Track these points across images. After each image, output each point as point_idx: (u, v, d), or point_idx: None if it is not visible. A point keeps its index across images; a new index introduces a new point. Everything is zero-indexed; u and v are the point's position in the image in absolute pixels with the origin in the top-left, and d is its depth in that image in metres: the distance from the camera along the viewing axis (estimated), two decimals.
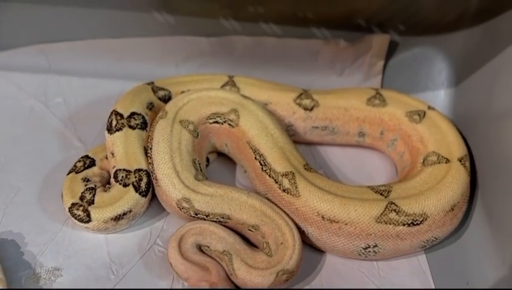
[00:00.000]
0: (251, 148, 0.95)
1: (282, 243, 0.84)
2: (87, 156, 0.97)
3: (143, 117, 0.99)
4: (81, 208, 0.88)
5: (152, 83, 1.08)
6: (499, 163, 0.98)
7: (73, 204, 0.89)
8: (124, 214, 0.89)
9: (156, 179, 0.91)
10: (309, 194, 0.88)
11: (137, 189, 0.91)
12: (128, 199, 0.90)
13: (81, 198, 0.90)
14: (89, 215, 0.88)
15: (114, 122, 0.97)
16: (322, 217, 0.86)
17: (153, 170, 0.91)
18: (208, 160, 1.04)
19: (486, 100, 1.06)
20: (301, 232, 0.90)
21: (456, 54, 1.16)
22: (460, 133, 1.12)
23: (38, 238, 0.89)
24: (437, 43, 1.16)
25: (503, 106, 1.00)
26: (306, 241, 0.91)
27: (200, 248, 0.86)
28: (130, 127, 0.96)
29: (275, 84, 1.11)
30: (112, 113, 0.98)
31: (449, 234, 0.94)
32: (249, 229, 0.88)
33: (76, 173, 0.94)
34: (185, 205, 0.88)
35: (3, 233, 0.89)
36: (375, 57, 1.19)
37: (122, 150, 0.94)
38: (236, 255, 0.83)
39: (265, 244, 0.86)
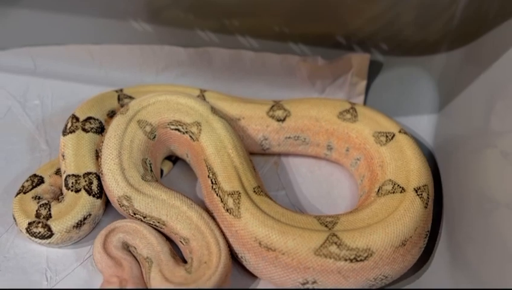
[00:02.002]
0: (206, 165, 0.93)
1: (206, 262, 0.82)
2: (34, 175, 0.96)
3: (100, 122, 0.99)
4: (40, 225, 0.87)
5: (121, 90, 1.08)
6: (468, 197, 0.92)
7: (30, 223, 0.88)
8: (85, 219, 0.89)
9: (102, 174, 0.92)
10: (250, 216, 0.84)
11: (89, 192, 0.92)
12: (84, 203, 0.90)
13: (37, 215, 0.89)
14: (49, 229, 0.87)
15: (69, 125, 0.98)
16: (259, 243, 0.82)
17: (100, 164, 0.92)
18: (162, 172, 1.03)
19: (466, 127, 1.00)
20: (240, 259, 0.87)
21: (439, 77, 1.10)
22: (434, 162, 1.06)
23: None
24: (421, 65, 1.11)
25: (480, 136, 0.93)
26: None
27: (127, 247, 0.87)
28: (84, 130, 0.97)
29: (246, 99, 1.09)
30: (70, 116, 0.99)
31: (403, 272, 0.87)
32: (180, 241, 0.86)
33: (25, 193, 0.93)
34: (125, 202, 0.88)
35: None
36: (357, 76, 1.13)
37: (72, 152, 0.95)
38: (157, 264, 0.82)
39: (190, 259, 0.84)
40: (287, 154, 1.10)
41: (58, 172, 0.97)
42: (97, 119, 0.99)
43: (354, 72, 1.12)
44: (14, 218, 0.90)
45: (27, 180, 0.95)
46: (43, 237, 0.88)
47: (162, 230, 0.88)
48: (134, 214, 0.88)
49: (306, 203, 1.01)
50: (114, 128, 0.94)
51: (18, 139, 1.09)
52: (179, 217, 0.86)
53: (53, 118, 1.13)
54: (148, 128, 0.96)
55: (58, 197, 0.95)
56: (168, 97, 0.99)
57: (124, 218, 0.91)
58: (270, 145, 1.06)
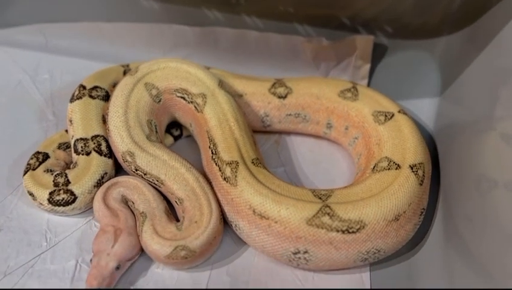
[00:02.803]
0: (208, 137, 0.95)
1: (196, 222, 0.84)
2: (38, 152, 0.97)
3: (106, 91, 1.03)
4: (61, 192, 0.89)
5: (127, 65, 1.10)
6: (466, 177, 0.91)
7: (51, 193, 0.89)
8: (102, 178, 0.92)
9: (108, 130, 0.95)
10: (245, 185, 0.85)
11: (100, 153, 0.94)
12: (98, 163, 0.93)
13: (56, 184, 0.91)
14: (72, 193, 0.89)
15: (76, 93, 1.01)
16: (254, 211, 0.83)
17: (107, 121, 0.96)
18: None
19: (466, 110, 1.00)
20: (234, 227, 0.88)
21: (441, 61, 1.10)
22: (434, 144, 1.05)
23: None
24: (424, 48, 1.11)
25: (481, 118, 0.93)
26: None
27: (126, 201, 0.90)
28: (91, 96, 1.00)
29: (249, 76, 1.10)
30: (77, 87, 1.02)
31: (396, 248, 0.87)
32: (176, 201, 0.89)
33: (33, 169, 0.94)
34: (128, 158, 0.91)
35: None
36: (361, 59, 1.14)
37: (80, 116, 0.97)
38: (150, 219, 0.85)
39: (182, 218, 0.87)
40: (287, 133, 1.11)
41: (60, 147, 1.00)
42: (103, 88, 1.03)
43: (358, 54, 1.13)
44: (31, 193, 0.90)
45: (32, 158, 0.96)
46: (67, 203, 0.89)
47: (160, 189, 0.91)
48: (136, 170, 0.92)
49: (304, 179, 1.02)
50: (121, 87, 0.98)
51: (27, 109, 1.12)
52: (177, 178, 0.89)
53: (61, 91, 1.16)
54: (154, 92, 0.98)
55: (65, 169, 0.97)
56: (178, 65, 1.01)
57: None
58: (271, 122, 1.07)
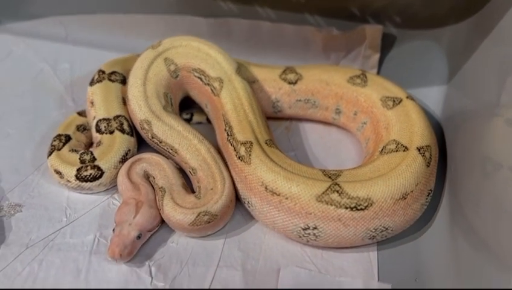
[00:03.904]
0: (224, 120, 0.98)
1: (212, 189, 0.89)
2: (59, 135, 1.00)
3: (123, 76, 1.07)
4: (89, 167, 0.93)
5: None
6: (472, 161, 0.94)
7: (78, 169, 0.93)
8: (126, 154, 0.97)
9: (127, 99, 1.00)
10: (259, 162, 0.89)
11: (123, 131, 0.99)
12: (122, 140, 0.98)
13: (82, 161, 0.95)
14: (99, 168, 0.93)
15: (96, 77, 1.06)
16: (266, 187, 0.87)
17: (127, 91, 1.01)
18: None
19: (473, 98, 1.02)
20: (246, 204, 0.92)
21: (449, 50, 1.13)
22: (442, 131, 1.08)
23: (11, 177, 0.98)
24: (432, 38, 1.14)
25: (487, 105, 0.95)
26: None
27: (147, 177, 0.94)
28: (110, 80, 1.05)
29: (259, 64, 1.14)
30: (96, 72, 1.07)
31: (404, 227, 0.89)
32: (189, 171, 0.94)
33: (59, 150, 0.97)
34: (145, 126, 0.97)
35: None
36: (370, 49, 1.17)
37: (101, 98, 1.02)
38: (169, 193, 0.89)
39: (198, 189, 0.92)
40: (297, 120, 1.14)
41: (79, 129, 1.04)
42: (121, 73, 1.07)
43: (367, 44, 1.16)
44: (58, 172, 0.93)
45: (55, 140, 0.99)
46: (94, 178, 0.93)
47: (174, 158, 0.96)
48: (152, 137, 0.96)
49: (314, 163, 1.05)
50: (142, 60, 1.03)
51: (47, 96, 1.17)
52: (189, 148, 0.94)
53: (81, 79, 1.21)
54: (172, 67, 1.03)
55: (86, 149, 1.02)
56: (200, 45, 1.05)
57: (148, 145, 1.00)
58: (282, 108, 1.11)
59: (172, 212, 0.86)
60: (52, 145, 0.98)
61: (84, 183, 0.93)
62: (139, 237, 0.83)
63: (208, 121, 1.11)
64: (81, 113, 1.06)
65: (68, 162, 0.94)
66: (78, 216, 0.92)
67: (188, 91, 1.07)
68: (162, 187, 0.90)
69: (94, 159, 0.95)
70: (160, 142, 0.96)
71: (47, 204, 0.94)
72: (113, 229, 0.85)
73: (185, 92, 1.07)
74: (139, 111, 0.98)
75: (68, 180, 0.93)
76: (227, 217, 0.90)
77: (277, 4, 1.17)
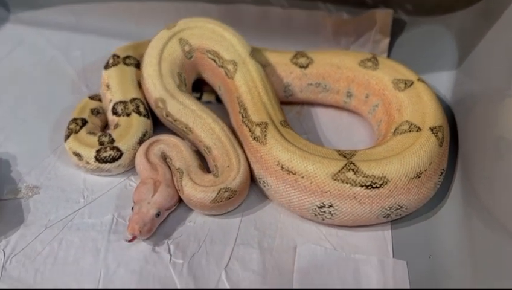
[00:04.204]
0: (238, 102, 0.99)
1: (228, 166, 0.91)
2: (74, 119, 1.01)
3: (137, 60, 1.09)
4: (108, 148, 0.94)
5: None
6: (484, 142, 0.95)
7: (97, 151, 0.94)
8: (144, 136, 0.98)
9: (142, 77, 1.02)
10: (274, 142, 0.90)
11: (139, 114, 1.00)
12: (139, 122, 0.99)
13: (101, 143, 0.96)
14: (118, 149, 0.95)
15: (111, 61, 1.08)
16: (282, 166, 0.88)
17: (141, 69, 1.03)
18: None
19: (483, 81, 1.03)
20: (261, 184, 0.93)
21: (458, 35, 1.14)
22: (453, 115, 1.09)
23: (28, 161, 0.99)
24: (441, 23, 1.15)
25: (497, 88, 0.96)
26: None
27: (165, 158, 0.95)
28: (125, 64, 1.07)
29: (270, 49, 1.14)
30: (110, 56, 1.09)
31: (418, 205, 0.91)
32: (204, 150, 0.96)
33: (76, 133, 0.98)
34: (160, 104, 0.99)
35: (0, 153, 1.00)
36: (380, 33, 1.18)
37: (117, 81, 1.03)
38: (187, 173, 0.90)
39: (214, 167, 0.93)
40: (309, 105, 1.15)
41: (93, 112, 1.05)
42: (135, 58, 1.09)
43: (377, 28, 1.17)
44: (77, 154, 0.94)
45: (71, 124, 1.00)
46: (113, 159, 0.94)
47: (188, 136, 0.98)
48: (167, 116, 0.98)
49: (327, 145, 1.06)
50: (157, 39, 1.04)
51: (60, 82, 1.19)
52: (204, 127, 0.95)
53: (93, 66, 1.22)
54: (187, 48, 1.04)
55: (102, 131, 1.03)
56: (215, 27, 1.06)
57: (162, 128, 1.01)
58: (293, 92, 1.12)
59: (192, 191, 0.87)
60: (69, 129, 0.99)
61: (103, 164, 0.94)
62: (157, 215, 0.85)
63: (217, 100, 1.13)
64: (93, 98, 1.07)
65: (87, 144, 0.95)
66: (96, 197, 0.93)
67: (201, 72, 1.08)
68: (179, 168, 0.91)
69: (113, 140, 0.96)
70: (175, 121, 0.98)
71: (64, 186, 0.95)
72: (132, 208, 0.86)
73: (198, 73, 1.09)
74: (154, 89, 0.99)
75: (87, 162, 0.94)
76: (245, 193, 0.92)
77: None
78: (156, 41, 1.04)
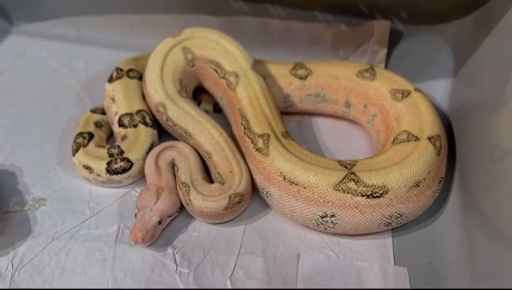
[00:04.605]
0: (240, 114, 1.02)
1: (231, 172, 0.93)
2: (80, 133, 1.02)
3: (140, 73, 1.11)
4: (118, 160, 0.96)
5: None
6: (480, 149, 0.97)
7: (108, 163, 0.96)
8: (151, 146, 1.01)
9: (145, 82, 1.05)
10: (277, 154, 0.92)
11: (146, 124, 1.03)
12: (146, 133, 1.02)
13: (111, 155, 0.98)
14: (128, 160, 0.97)
15: (114, 74, 1.10)
16: (284, 177, 0.90)
17: (144, 74, 1.06)
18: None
19: (479, 89, 1.06)
20: (264, 195, 0.95)
21: (454, 44, 1.16)
22: (450, 123, 1.11)
23: (34, 173, 1.01)
24: (438, 33, 1.17)
25: (493, 96, 0.99)
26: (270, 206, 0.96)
27: (173, 165, 0.98)
28: (129, 77, 1.09)
29: (270, 60, 1.17)
30: (114, 69, 1.11)
31: (417, 214, 0.93)
32: (205, 155, 0.98)
33: (85, 146, 1.00)
34: (160, 109, 1.02)
35: (6, 165, 1.02)
36: (378, 44, 1.20)
37: (122, 93, 1.06)
38: (193, 187, 0.92)
39: (217, 175, 0.95)
40: (309, 115, 1.17)
41: (97, 125, 1.06)
42: (138, 71, 1.11)
43: (375, 39, 1.20)
44: (88, 167, 0.96)
45: (78, 138, 1.01)
46: (124, 170, 0.96)
47: (188, 141, 1.00)
48: (167, 120, 1.01)
49: (327, 155, 1.08)
50: (161, 46, 1.07)
51: (64, 94, 1.20)
52: (203, 132, 0.98)
53: (96, 78, 1.24)
54: (189, 56, 1.07)
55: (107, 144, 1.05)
56: (219, 39, 1.09)
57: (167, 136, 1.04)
58: (293, 102, 1.14)
59: (204, 203, 0.89)
60: (76, 143, 1.00)
61: (114, 176, 0.95)
62: (160, 222, 0.87)
63: (215, 110, 1.16)
64: (95, 111, 1.09)
65: (97, 157, 0.97)
66: (101, 208, 0.95)
67: (202, 81, 1.11)
68: (184, 183, 0.92)
69: (122, 152, 0.98)
70: (175, 125, 1.00)
71: (70, 197, 0.97)
72: (135, 215, 0.88)
73: (200, 82, 1.11)
74: (155, 94, 1.02)
75: (98, 174, 0.96)
76: (250, 194, 0.95)
77: (287, 2, 1.20)
78: (160, 48, 1.08)
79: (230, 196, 0.89)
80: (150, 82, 1.04)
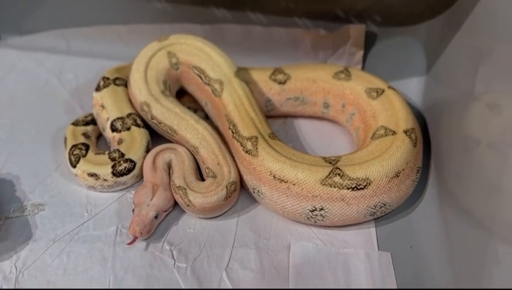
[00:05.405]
0: (227, 119, 1.07)
1: (218, 164, 0.99)
2: (74, 145, 1.04)
3: (125, 81, 1.15)
4: (121, 162, 1.00)
5: None
6: (454, 140, 1.04)
7: (113, 166, 1.00)
8: (148, 144, 1.05)
9: (129, 84, 1.10)
10: (266, 154, 0.97)
11: (138, 126, 1.08)
12: (141, 133, 1.06)
13: (113, 159, 1.02)
14: (131, 160, 1.01)
15: (102, 83, 1.14)
16: (274, 176, 0.95)
17: (129, 76, 1.11)
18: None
19: (451, 86, 1.13)
20: (255, 194, 1.00)
21: (426, 44, 1.24)
22: (421, 115, 1.19)
23: (31, 180, 1.04)
24: (410, 34, 1.25)
25: (464, 92, 1.06)
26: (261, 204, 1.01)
27: (169, 166, 1.03)
28: (116, 84, 1.14)
29: (251, 67, 1.22)
30: (100, 79, 1.15)
31: (399, 202, 0.99)
32: (192, 150, 1.04)
33: (84, 156, 1.02)
34: (145, 108, 1.06)
35: (3, 174, 1.05)
36: (354, 46, 1.27)
37: (111, 99, 1.10)
38: (190, 189, 0.96)
39: (207, 169, 1.01)
40: (292, 117, 1.23)
41: (85, 136, 1.09)
42: (124, 79, 1.15)
43: (352, 42, 1.27)
44: (93, 174, 0.99)
45: (74, 150, 1.03)
46: (129, 171, 1.00)
47: (173, 138, 1.05)
48: (152, 118, 1.06)
49: (312, 153, 1.14)
50: (147, 49, 1.13)
51: (56, 105, 1.24)
52: (188, 127, 1.03)
53: (86, 88, 1.27)
54: (174, 60, 1.12)
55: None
56: (203, 46, 1.14)
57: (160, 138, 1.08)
58: (274, 106, 1.20)
59: (205, 199, 0.94)
60: (74, 155, 1.02)
61: (120, 178, 1.00)
62: (156, 216, 0.92)
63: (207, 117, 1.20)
64: (76, 123, 1.11)
65: (100, 163, 1.00)
66: (99, 211, 0.99)
67: (185, 85, 1.16)
68: (179, 186, 0.96)
69: (123, 154, 1.02)
70: (160, 123, 1.05)
71: (68, 202, 1.01)
72: (133, 210, 0.93)
73: (182, 85, 1.16)
74: (139, 94, 1.07)
75: (105, 179, 0.99)
76: (239, 182, 1.00)
77: (268, 9, 1.27)
78: (145, 51, 1.13)
79: (226, 186, 0.95)
80: (134, 83, 1.09)
